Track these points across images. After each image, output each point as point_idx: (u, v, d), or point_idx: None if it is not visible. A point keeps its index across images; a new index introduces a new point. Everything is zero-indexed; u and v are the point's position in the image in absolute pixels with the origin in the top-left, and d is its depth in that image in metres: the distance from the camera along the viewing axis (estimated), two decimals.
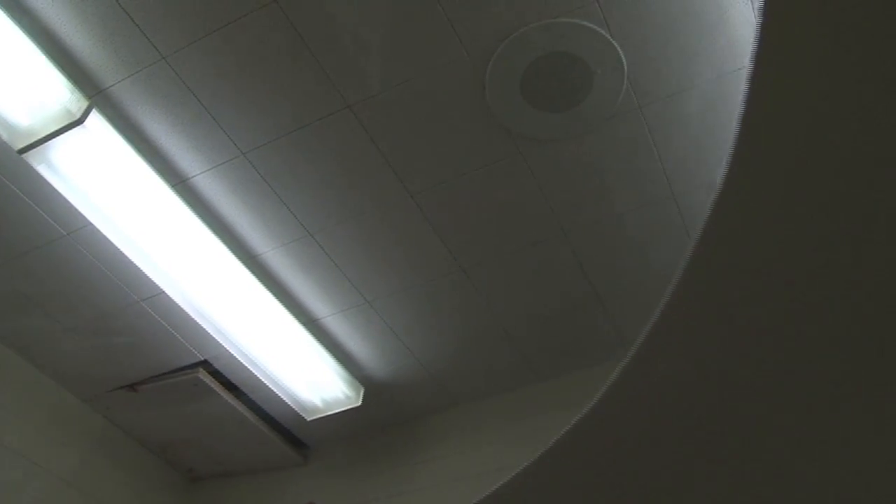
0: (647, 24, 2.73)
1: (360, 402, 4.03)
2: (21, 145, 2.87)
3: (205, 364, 3.96)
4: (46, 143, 2.85)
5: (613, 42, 2.76)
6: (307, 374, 3.88)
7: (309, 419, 4.13)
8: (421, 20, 2.71)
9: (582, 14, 2.70)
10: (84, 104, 2.83)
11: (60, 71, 2.77)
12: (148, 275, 3.38)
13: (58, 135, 2.83)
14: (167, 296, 3.51)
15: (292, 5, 2.66)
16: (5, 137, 2.88)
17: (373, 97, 2.92)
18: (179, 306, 3.54)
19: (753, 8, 2.66)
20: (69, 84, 2.80)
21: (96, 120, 2.86)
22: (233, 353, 3.75)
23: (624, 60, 2.81)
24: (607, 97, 2.90)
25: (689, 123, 3.01)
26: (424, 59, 2.82)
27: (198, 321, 3.60)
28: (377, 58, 2.81)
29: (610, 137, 3.05)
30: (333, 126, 3.00)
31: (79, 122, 2.80)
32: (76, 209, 3.14)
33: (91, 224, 3.19)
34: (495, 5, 2.68)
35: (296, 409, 4.08)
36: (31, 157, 2.92)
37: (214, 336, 3.67)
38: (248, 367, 3.82)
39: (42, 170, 2.97)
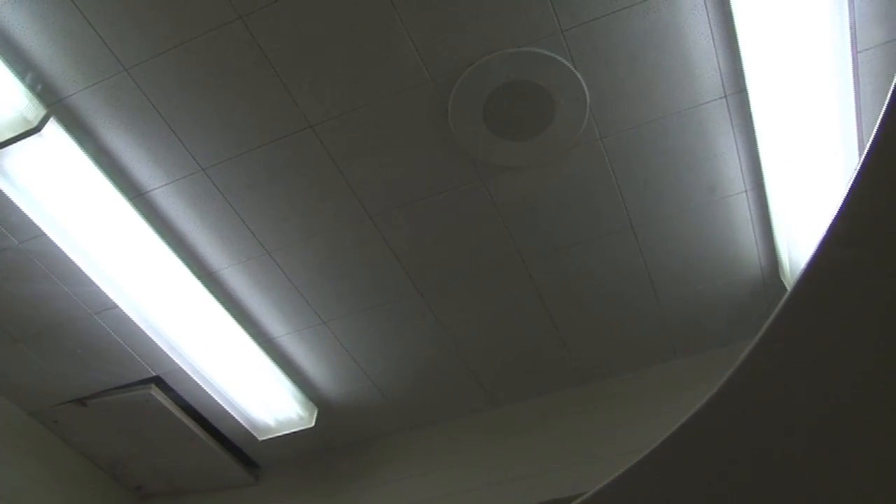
0: (610, 57, 2.76)
1: (313, 423, 4.00)
2: None
3: (157, 380, 3.90)
4: (1, 151, 2.80)
5: (577, 73, 2.79)
6: (261, 394, 3.84)
7: (261, 439, 4.09)
8: (386, 43, 2.72)
9: (546, 44, 2.73)
10: (42, 112, 2.79)
11: (18, 78, 2.73)
12: (102, 288, 3.33)
13: (13, 142, 2.77)
14: (121, 310, 3.45)
15: (257, 23, 2.66)
16: None
17: (335, 118, 2.92)
18: (133, 321, 3.49)
19: (714, 44, 2.71)
20: (27, 91, 2.76)
21: (54, 129, 2.81)
22: (186, 369, 3.70)
23: (587, 92, 2.84)
24: (569, 127, 2.93)
25: (649, 156, 3.04)
26: (388, 81, 2.83)
27: (151, 336, 3.55)
28: (341, 79, 2.81)
29: (571, 167, 3.08)
30: (295, 145, 2.99)
31: (35, 130, 2.75)
32: (30, 219, 3.07)
33: (45, 234, 3.14)
34: (461, 32, 2.70)
35: (248, 429, 4.04)
36: None
37: (168, 352, 3.62)
38: (201, 385, 3.77)
39: None
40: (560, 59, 2.75)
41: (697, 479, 1.74)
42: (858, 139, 2.86)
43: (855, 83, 2.69)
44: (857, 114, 2.76)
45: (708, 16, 2.65)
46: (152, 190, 3.12)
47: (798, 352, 1.51)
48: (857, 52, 2.69)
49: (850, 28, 2.57)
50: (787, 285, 3.37)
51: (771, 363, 1.56)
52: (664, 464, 1.74)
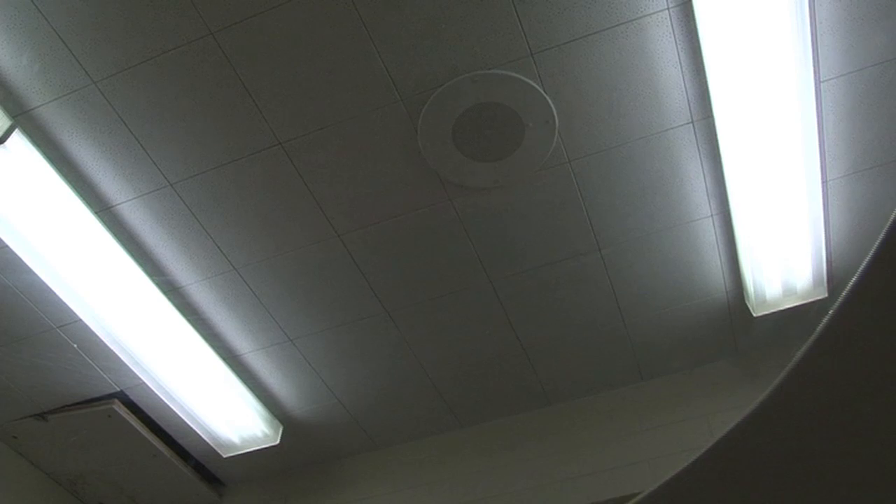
0: (579, 81, 2.79)
1: (278, 441, 3.97)
2: None
3: (120, 395, 3.85)
4: None
5: (546, 96, 2.81)
6: (225, 410, 3.80)
7: (225, 456, 4.05)
8: (357, 62, 2.73)
9: (517, 67, 2.75)
10: (6, 124, 2.76)
11: None
12: (65, 301, 3.29)
13: None
14: (84, 324, 3.41)
15: (228, 40, 2.66)
16: None
17: (305, 135, 2.92)
18: (96, 335, 3.44)
19: (682, 70, 2.74)
20: None
21: (18, 141, 2.79)
22: (149, 385, 3.66)
23: (555, 115, 2.86)
24: (538, 150, 2.95)
25: (617, 180, 3.07)
26: (359, 100, 2.83)
27: (115, 351, 3.50)
28: (311, 96, 2.81)
29: (538, 189, 3.09)
30: (264, 162, 2.98)
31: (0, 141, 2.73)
32: None
33: (7, 246, 3.10)
34: (432, 53, 2.71)
35: (212, 446, 4.00)
36: None
37: (132, 367, 3.57)
38: (165, 401, 3.73)
39: None
40: (530, 82, 2.77)
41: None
42: (821, 166, 2.92)
43: (818, 112, 2.75)
44: (819, 141, 2.82)
45: (676, 43, 2.69)
46: (119, 204, 3.10)
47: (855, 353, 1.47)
48: (821, 82, 2.74)
49: (814, 59, 2.62)
50: (751, 309, 3.41)
51: (828, 364, 1.52)
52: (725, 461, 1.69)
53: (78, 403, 3.89)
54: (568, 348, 3.72)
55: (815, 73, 2.66)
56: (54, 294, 3.27)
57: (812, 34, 2.55)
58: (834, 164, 2.99)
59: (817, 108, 2.72)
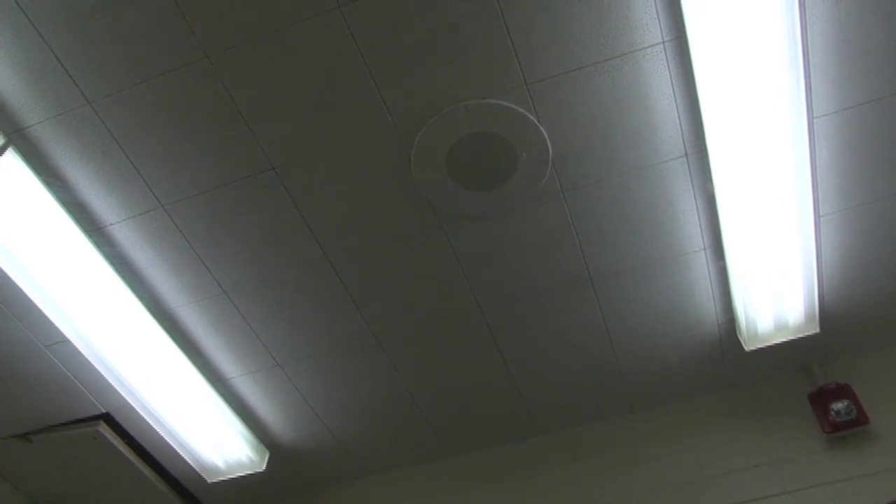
0: (574, 112, 2.80)
1: (264, 467, 3.93)
2: None
3: (106, 417, 3.81)
4: None
5: (540, 127, 2.82)
6: (211, 434, 3.76)
7: (210, 481, 4.01)
8: (351, 89, 2.73)
9: (511, 97, 2.76)
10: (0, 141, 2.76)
11: None
12: (53, 321, 3.26)
13: None
14: (71, 344, 3.38)
15: (224, 63, 2.66)
16: None
17: (298, 160, 2.91)
18: (84, 355, 3.41)
19: (676, 104, 2.75)
20: None
21: (11, 159, 2.78)
22: (136, 407, 3.62)
23: (549, 145, 2.87)
24: (531, 180, 2.95)
25: (610, 211, 3.07)
26: (353, 127, 2.83)
27: (102, 372, 3.47)
28: (305, 122, 2.82)
29: (531, 219, 3.09)
30: (256, 186, 2.98)
31: None
32: None
33: None
34: (427, 81, 2.72)
35: (197, 470, 3.96)
36: None
37: (118, 389, 3.54)
38: (151, 423, 3.69)
39: None
40: (524, 112, 2.78)
41: None
42: (814, 202, 2.92)
43: (811, 147, 2.76)
44: (812, 177, 2.83)
45: (670, 77, 2.70)
46: (110, 224, 3.09)
47: None
48: (814, 118, 2.76)
49: (807, 95, 2.64)
50: (743, 343, 3.40)
51: None
52: None
53: (63, 424, 3.85)
54: (558, 378, 3.70)
55: (808, 109, 2.67)
56: (42, 313, 3.24)
57: (805, 71, 2.56)
58: (826, 199, 3.00)
59: (810, 144, 2.73)
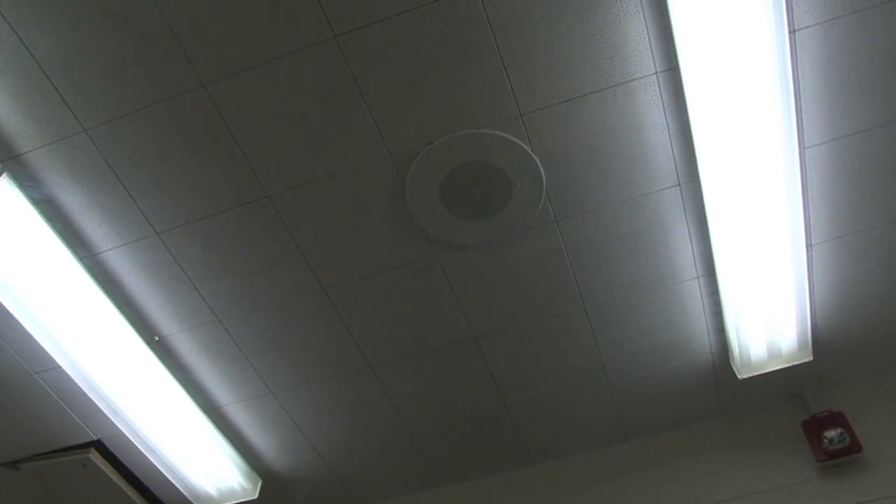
0: (568, 142, 2.82)
1: (256, 496, 3.89)
2: None
3: (97, 444, 3.78)
4: None
5: (534, 157, 2.83)
6: (203, 462, 3.73)
7: None
8: (347, 118, 2.75)
9: (506, 127, 2.77)
10: None
11: None
12: (44, 347, 3.24)
13: None
14: (62, 370, 3.35)
15: (220, 92, 2.67)
16: None
17: (293, 189, 2.92)
18: (75, 382, 3.39)
19: (669, 134, 2.77)
20: None
21: (5, 185, 2.78)
22: (127, 434, 3.59)
23: (543, 175, 2.88)
24: (525, 209, 2.96)
25: (604, 240, 3.08)
26: (347, 155, 2.84)
27: (93, 399, 3.44)
28: (300, 150, 2.83)
29: (525, 248, 3.10)
30: (251, 214, 2.98)
31: None
32: None
33: None
34: (422, 110, 2.73)
35: (189, 498, 3.92)
36: None
37: (109, 416, 3.51)
38: (143, 451, 3.66)
39: None
40: (518, 142, 2.79)
41: None
42: (806, 231, 2.94)
43: (802, 177, 2.78)
44: (804, 207, 2.85)
45: (664, 107, 2.72)
46: (104, 251, 3.08)
47: None
48: (805, 148, 2.78)
49: (798, 126, 2.66)
50: (736, 371, 3.40)
51: None
52: None
53: (53, 452, 3.81)
54: (551, 407, 3.69)
55: (799, 139, 2.69)
56: (33, 339, 3.22)
57: (796, 102, 2.59)
58: (818, 228, 3.02)
59: (802, 173, 2.76)
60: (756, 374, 3.39)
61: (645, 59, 2.62)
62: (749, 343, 3.26)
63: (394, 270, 3.17)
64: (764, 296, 3.10)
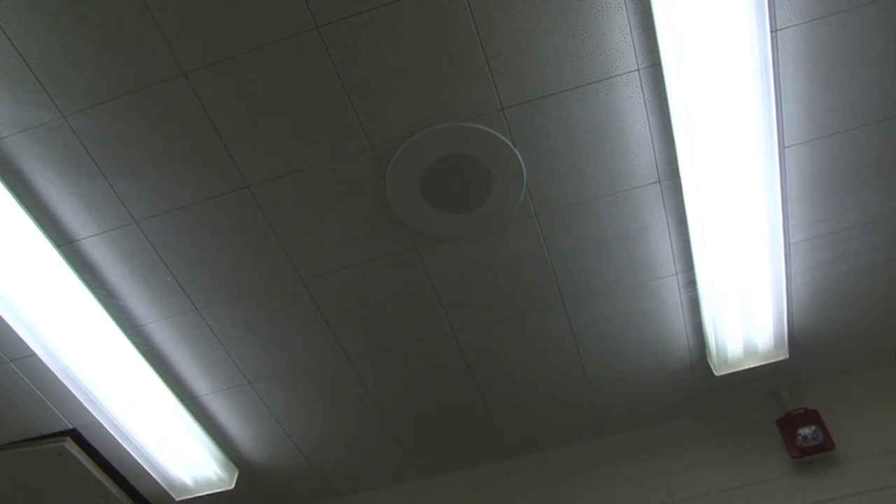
0: (549, 137, 2.82)
1: (232, 486, 3.89)
2: None
3: (73, 433, 3.76)
4: None
5: (515, 151, 2.83)
6: (180, 452, 3.72)
7: (178, 499, 3.95)
8: (328, 109, 2.74)
9: (487, 121, 2.77)
10: None
11: None
12: (19, 335, 3.22)
13: None
14: (38, 358, 3.33)
15: (201, 81, 2.66)
16: None
17: (273, 179, 2.91)
18: (51, 370, 3.37)
19: (650, 130, 2.78)
20: None
21: None
22: (103, 423, 3.57)
23: (524, 169, 2.88)
24: (505, 203, 2.96)
25: (583, 235, 3.09)
26: (328, 147, 2.83)
27: (69, 388, 3.42)
28: (281, 140, 2.81)
29: (505, 242, 3.10)
30: (231, 204, 2.97)
31: None
32: None
33: None
34: (403, 103, 2.73)
35: (165, 487, 3.91)
36: None
37: (85, 405, 3.49)
38: (118, 440, 3.64)
39: None
40: (499, 136, 2.79)
41: None
42: (784, 229, 2.96)
43: (781, 176, 2.80)
44: (783, 205, 2.87)
45: (645, 104, 2.73)
46: (82, 239, 3.06)
47: None
48: (785, 147, 2.80)
49: (778, 125, 2.68)
50: (713, 368, 3.42)
51: None
52: None
53: (28, 440, 3.79)
54: (529, 402, 3.70)
55: (779, 138, 2.71)
56: (8, 327, 3.20)
57: (777, 101, 2.61)
58: (797, 227, 3.04)
59: (781, 172, 2.77)
60: (732, 371, 3.41)
61: (627, 55, 2.63)
62: (726, 340, 3.28)
63: (374, 262, 3.16)
64: (742, 293, 3.12)
